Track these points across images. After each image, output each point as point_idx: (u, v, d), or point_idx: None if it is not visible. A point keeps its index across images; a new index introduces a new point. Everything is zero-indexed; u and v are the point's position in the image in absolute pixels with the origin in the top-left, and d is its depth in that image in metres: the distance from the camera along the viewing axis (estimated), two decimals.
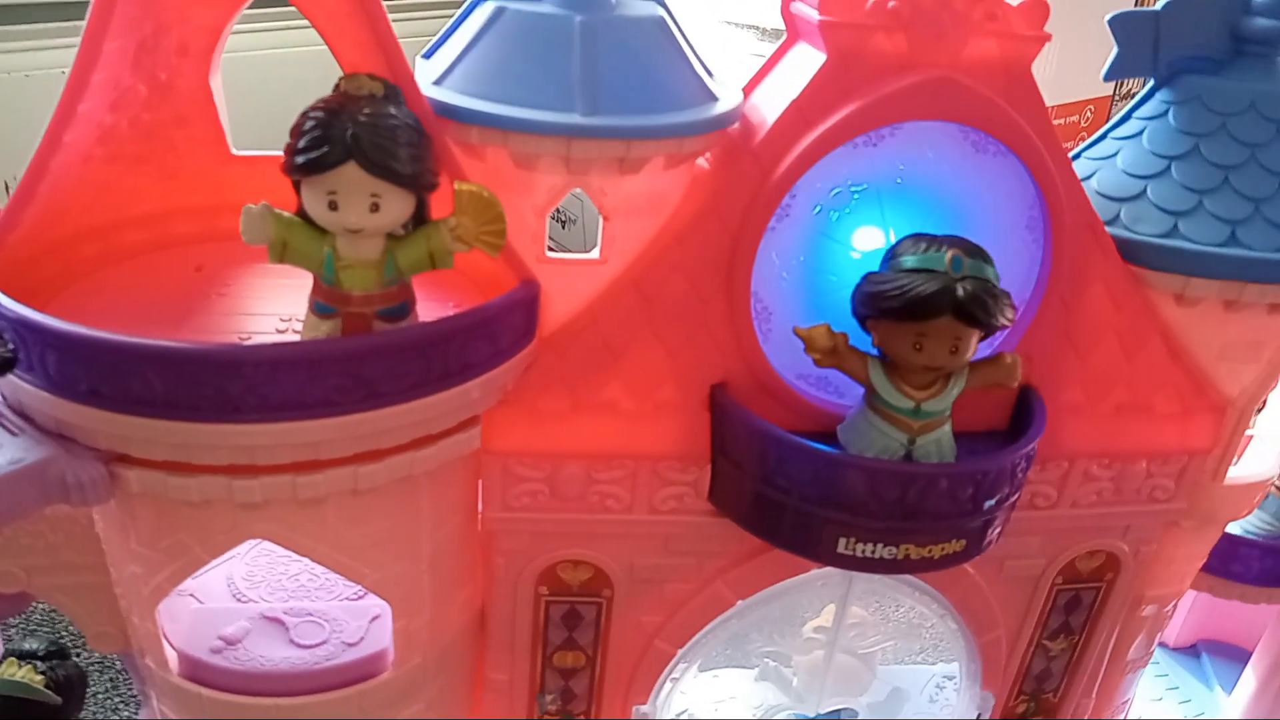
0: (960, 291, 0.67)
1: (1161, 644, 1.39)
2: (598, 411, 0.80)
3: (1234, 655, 1.31)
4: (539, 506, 0.83)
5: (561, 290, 0.78)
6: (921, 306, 0.68)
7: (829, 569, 0.88)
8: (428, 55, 0.76)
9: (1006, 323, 0.70)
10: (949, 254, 0.68)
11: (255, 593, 0.88)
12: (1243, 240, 0.79)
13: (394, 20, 0.68)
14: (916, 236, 0.72)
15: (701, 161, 0.79)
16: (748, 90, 0.80)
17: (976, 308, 0.67)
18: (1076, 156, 0.88)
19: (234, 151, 0.84)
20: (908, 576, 0.91)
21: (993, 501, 0.77)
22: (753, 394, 0.81)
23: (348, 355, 0.63)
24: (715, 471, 0.82)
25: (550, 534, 0.85)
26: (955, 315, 0.67)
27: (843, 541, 0.77)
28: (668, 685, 0.94)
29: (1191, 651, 1.41)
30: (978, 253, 0.70)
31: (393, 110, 0.63)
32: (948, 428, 0.76)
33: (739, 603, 0.90)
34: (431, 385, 0.68)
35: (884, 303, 0.69)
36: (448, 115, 0.69)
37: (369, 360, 0.64)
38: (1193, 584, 1.07)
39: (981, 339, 0.73)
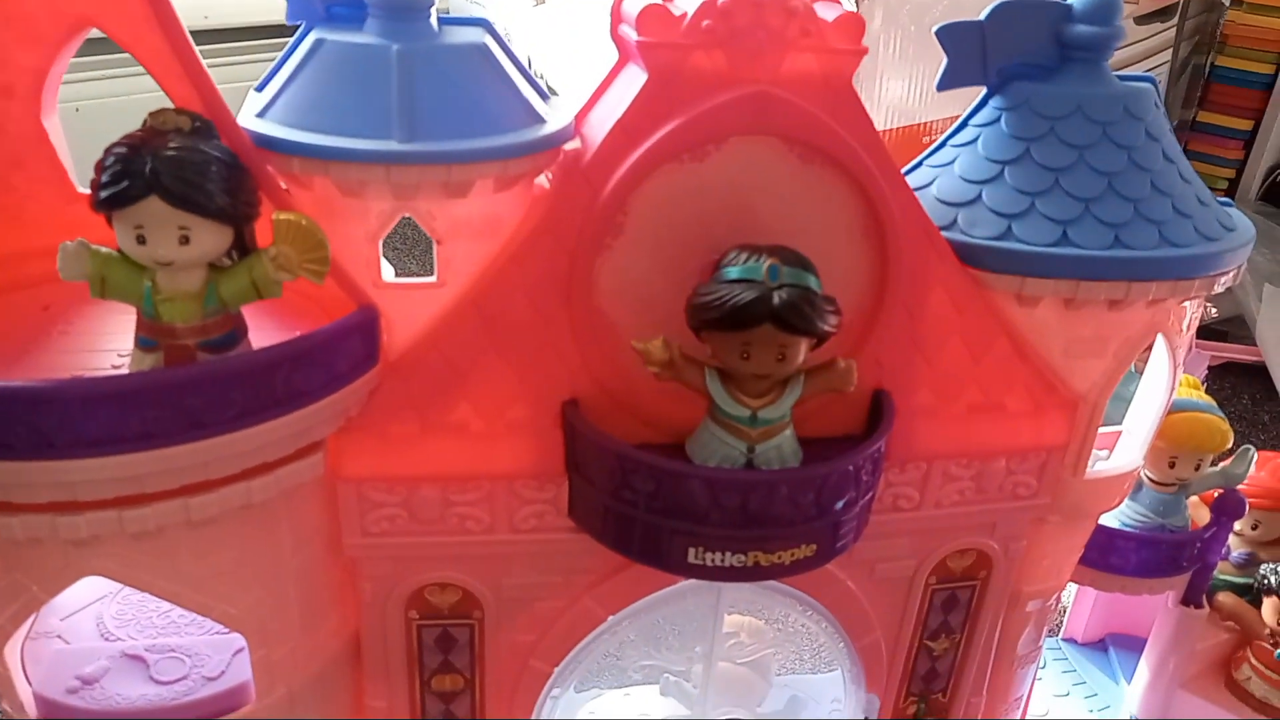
0: (776, 300, 0.68)
1: (1069, 639, 1.42)
2: (448, 433, 0.81)
3: (1142, 649, 1.33)
4: (399, 531, 0.83)
5: (404, 315, 0.78)
6: (739, 316, 0.69)
7: (695, 581, 0.89)
8: (259, 88, 0.76)
9: (830, 329, 0.72)
10: (767, 263, 0.70)
11: (123, 631, 0.88)
12: (1074, 239, 0.81)
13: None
14: (741, 247, 0.73)
15: (544, 182, 0.80)
16: (585, 111, 0.81)
17: (793, 315, 0.68)
18: (918, 165, 0.90)
19: (80, 190, 0.84)
20: (776, 584, 0.92)
21: (840, 504, 0.78)
22: (607, 410, 0.82)
23: (161, 386, 0.64)
24: (571, 488, 0.83)
25: (413, 558, 0.85)
26: (774, 323, 0.69)
27: (691, 551, 0.77)
28: (548, 704, 0.94)
29: (1099, 646, 1.43)
30: (798, 261, 0.71)
31: (199, 144, 0.64)
32: (789, 433, 0.77)
33: (609, 618, 0.90)
34: (258, 414, 0.68)
35: (706, 314, 0.71)
36: (267, 147, 0.70)
37: (186, 391, 0.65)
38: (1073, 578, 1.09)
39: (814, 346, 0.75)
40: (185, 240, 0.63)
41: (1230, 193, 2.69)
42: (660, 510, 0.77)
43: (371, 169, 0.70)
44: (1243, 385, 2.37)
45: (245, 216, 0.67)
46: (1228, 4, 2.63)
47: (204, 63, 0.69)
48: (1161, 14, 2.48)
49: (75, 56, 0.80)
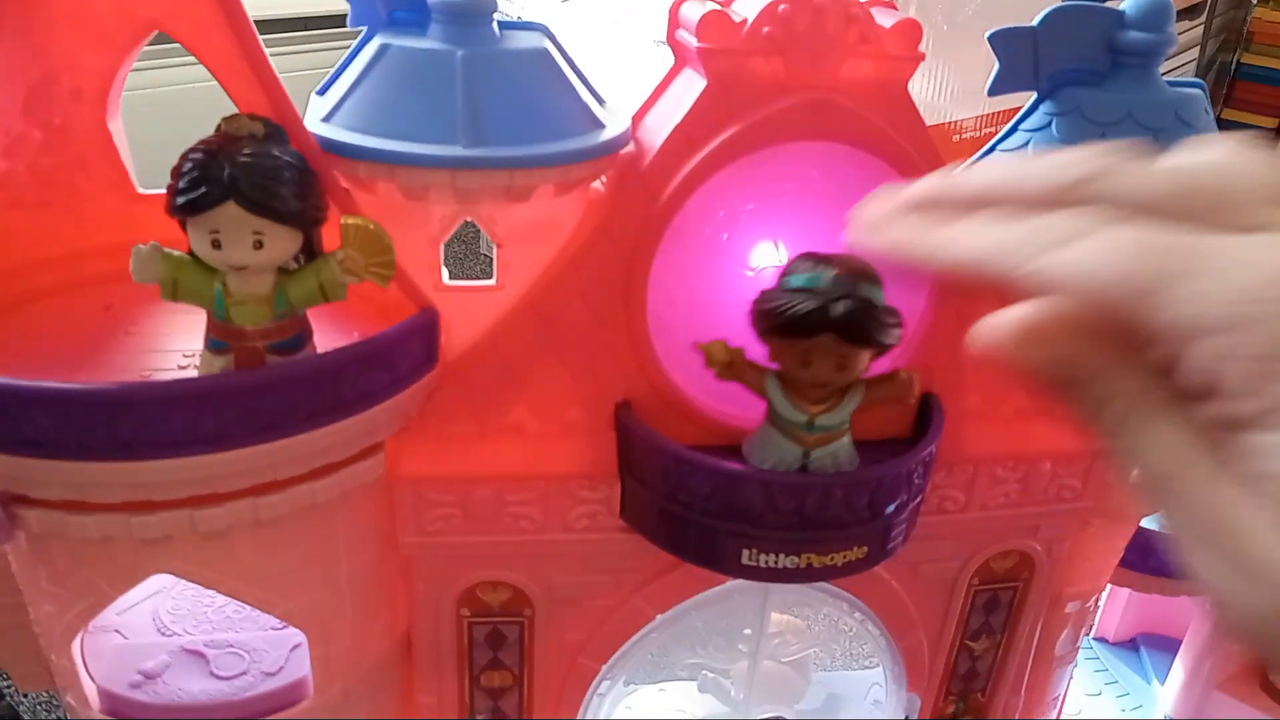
0: (836, 311, 0.69)
1: (1101, 639, 1.42)
2: (505, 435, 0.82)
3: (1173, 649, 1.33)
4: (453, 530, 0.84)
5: (463, 318, 0.79)
6: (799, 325, 0.70)
7: (744, 581, 0.90)
8: (321, 92, 0.77)
9: (891, 341, 0.72)
10: (831, 274, 0.70)
11: (179, 626, 0.89)
12: None
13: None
14: (807, 255, 0.74)
15: (599, 185, 0.81)
16: (641, 115, 0.82)
17: (853, 327, 0.69)
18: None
19: (140, 190, 0.86)
20: (824, 584, 0.92)
21: (891, 507, 0.79)
22: (659, 412, 0.82)
23: (234, 390, 0.65)
24: (624, 489, 0.84)
25: (467, 557, 0.86)
26: (834, 333, 0.69)
27: (745, 553, 0.78)
28: (595, 700, 0.95)
29: (1131, 646, 1.43)
30: (862, 272, 0.72)
31: (273, 149, 0.65)
32: (846, 440, 0.78)
33: (658, 617, 0.91)
34: (326, 416, 0.69)
35: (767, 320, 0.71)
36: (334, 151, 0.71)
37: (258, 393, 0.66)
38: (1112, 579, 1.10)
39: (875, 357, 0.75)
40: (259, 245, 0.64)
41: None
42: (715, 512, 0.78)
43: (436, 174, 0.71)
44: None
45: (315, 220, 0.68)
46: (1255, 1, 2.62)
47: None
48: (1189, 12, 2.48)
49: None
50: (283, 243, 0.66)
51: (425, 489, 0.82)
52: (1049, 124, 0.86)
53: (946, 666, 1.04)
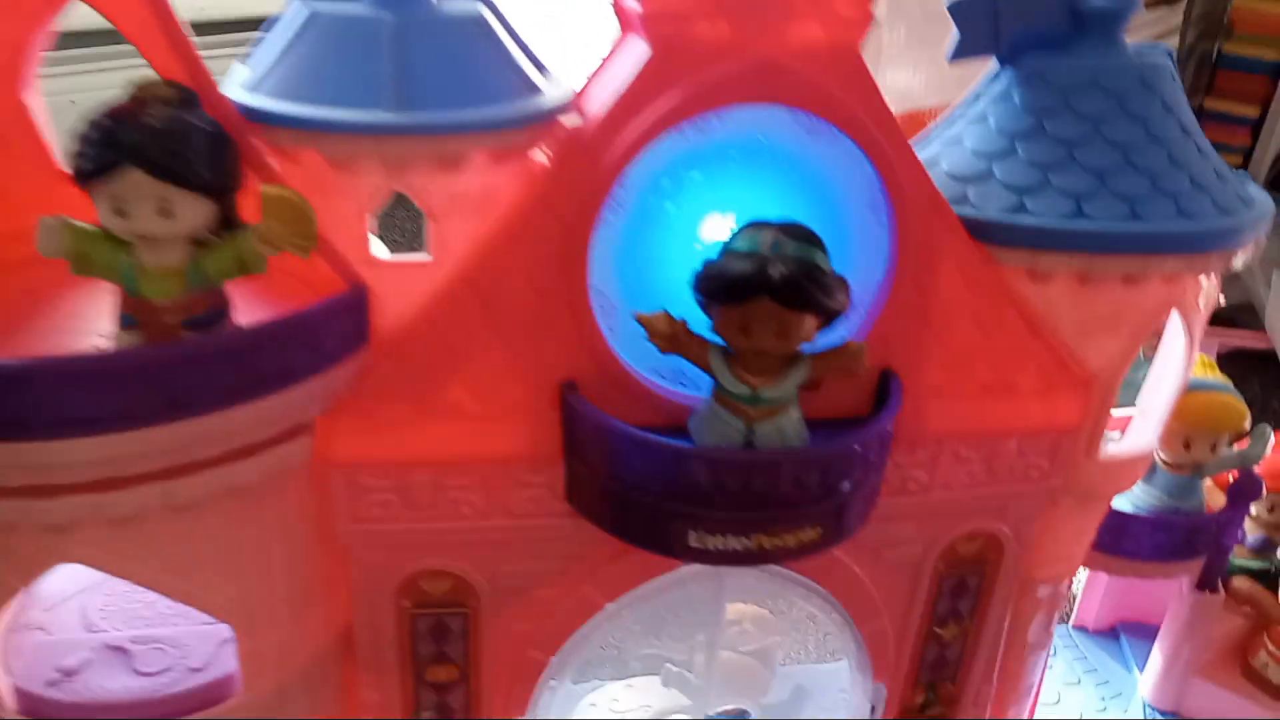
0: (774, 273, 0.65)
1: (1080, 627, 1.39)
2: (443, 416, 0.78)
3: (1153, 636, 1.30)
4: (391, 517, 0.81)
5: (397, 294, 0.76)
6: (735, 288, 0.66)
7: (697, 566, 0.86)
8: (247, 61, 0.74)
9: (834, 306, 0.69)
10: (770, 237, 0.67)
11: (108, 622, 0.85)
12: (1089, 213, 0.78)
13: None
14: (751, 223, 0.70)
15: (542, 158, 0.78)
16: (586, 85, 0.78)
17: (792, 290, 0.66)
18: (929, 140, 0.87)
19: (66, 169, 0.82)
20: (783, 570, 0.89)
21: (846, 486, 0.76)
22: (604, 391, 0.79)
23: (139, 364, 0.61)
24: (568, 471, 0.81)
25: (406, 544, 0.83)
26: (772, 297, 0.66)
27: (693, 535, 0.75)
28: (545, 695, 0.92)
29: (1111, 634, 1.40)
30: (803, 235, 0.68)
31: (183, 114, 0.61)
32: (793, 414, 0.74)
33: (608, 605, 0.88)
34: (243, 394, 0.65)
35: (704, 285, 0.68)
36: (254, 119, 0.67)
37: (166, 369, 0.62)
38: (1086, 563, 1.07)
39: (821, 326, 0.72)
40: (166, 213, 0.61)
41: None
42: (660, 493, 0.74)
43: (361, 141, 0.67)
44: (1252, 373, 2.35)
45: (228, 189, 0.64)
46: None
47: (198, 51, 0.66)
48: None
49: (71, 48, 0.78)
50: (192, 212, 0.62)
51: (360, 474, 0.79)
52: (1010, 91, 0.83)
53: (914, 655, 1.00)
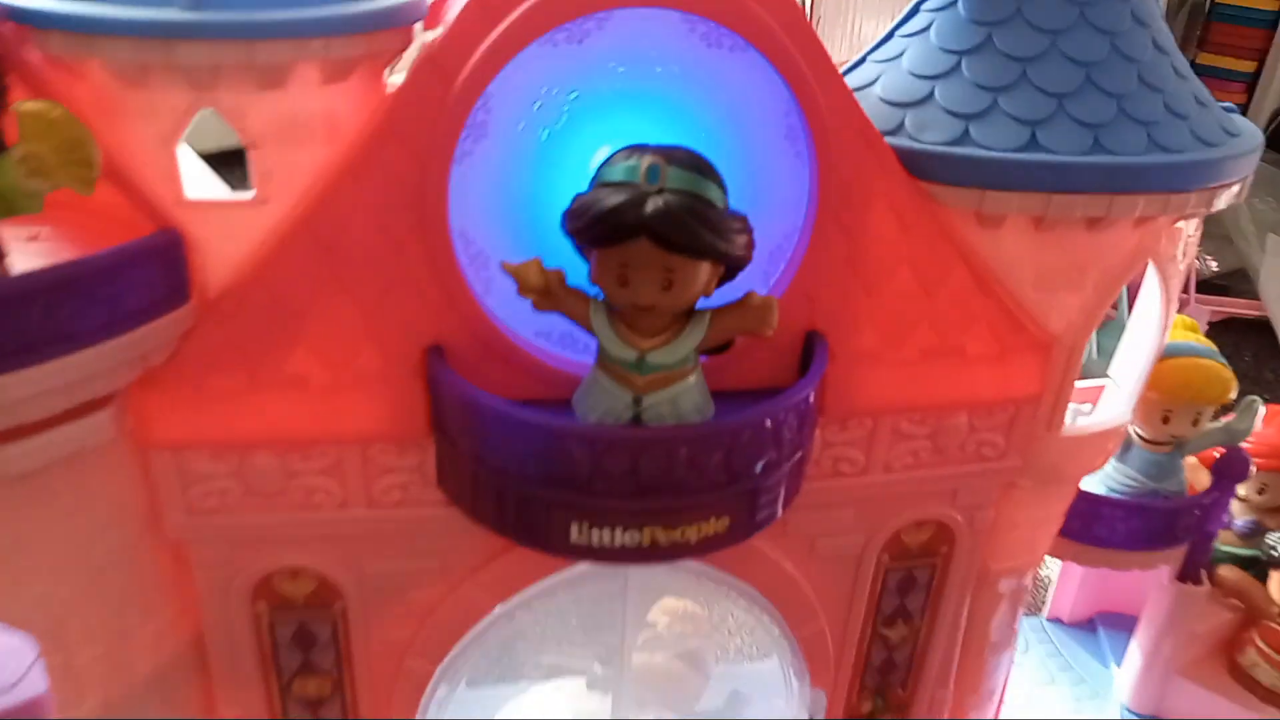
0: (650, 207, 0.53)
1: (1055, 619, 1.28)
2: (284, 387, 0.67)
3: (1134, 628, 1.19)
4: (231, 508, 0.69)
5: (226, 241, 0.64)
6: (605, 225, 0.54)
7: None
8: None
9: (730, 249, 0.57)
10: (648, 163, 0.55)
11: None
12: (1044, 143, 0.67)
13: None
14: (629, 147, 0.58)
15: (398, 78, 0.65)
16: None
17: (672, 226, 0.54)
18: (861, 61, 0.75)
19: None
20: (696, 565, 0.77)
21: (757, 468, 0.64)
22: (478, 357, 0.68)
23: None
24: (439, 452, 0.69)
25: (254, 540, 0.71)
26: (649, 237, 0.54)
27: (575, 528, 0.63)
28: (432, 708, 0.80)
29: (1088, 627, 1.29)
30: (690, 162, 0.56)
31: None
32: (691, 383, 0.62)
33: (497, 608, 0.76)
34: (8, 359, 0.53)
35: (571, 223, 0.56)
36: (17, 19, 0.55)
37: None
38: (1053, 552, 0.95)
39: (720, 276, 0.60)
40: None
41: None
42: (535, 478, 0.63)
43: (150, 47, 0.55)
44: (1245, 342, 2.23)
45: None
46: None
47: None
48: None
49: None
50: None
51: (189, 457, 0.67)
52: (954, 1, 0.70)
53: (858, 658, 0.89)
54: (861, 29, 1.92)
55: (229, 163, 0.72)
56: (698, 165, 0.57)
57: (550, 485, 0.62)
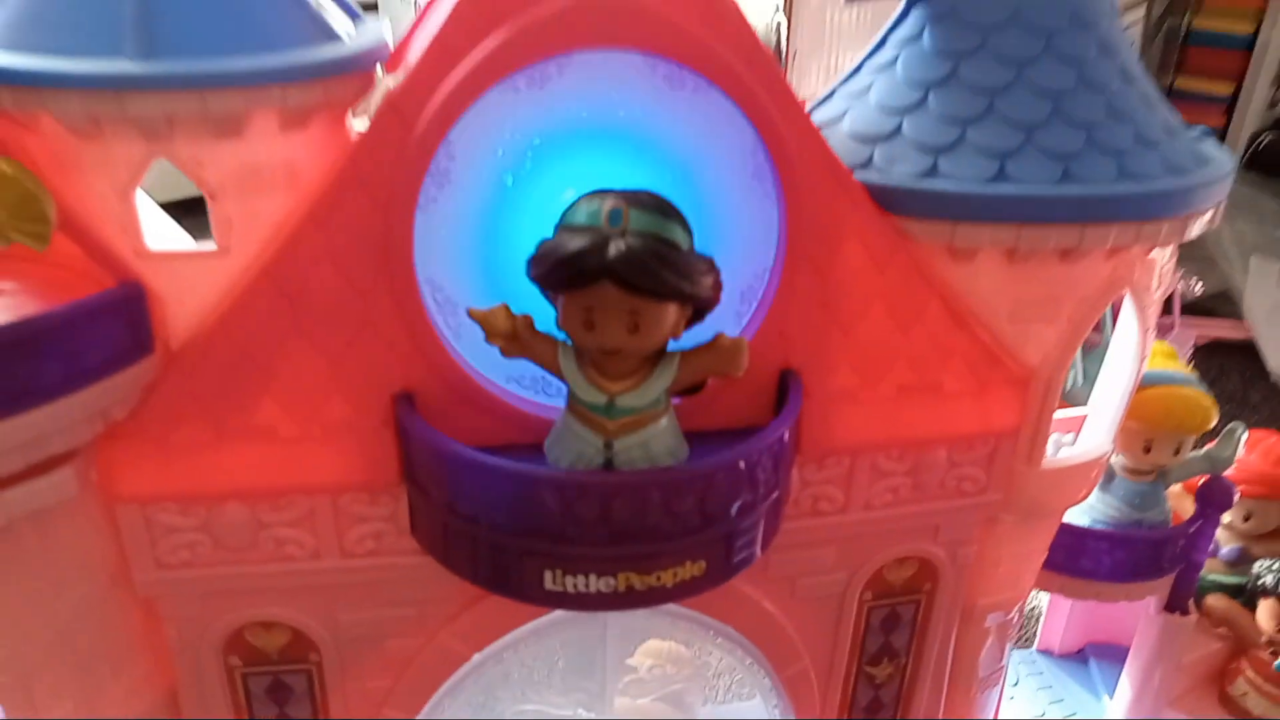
0: (613, 250, 0.53)
1: (1045, 651, 1.27)
2: (252, 439, 0.66)
3: (1125, 658, 1.18)
4: (202, 561, 0.68)
5: (188, 293, 0.63)
6: (568, 269, 0.54)
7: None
8: None
9: (695, 290, 0.56)
10: (610, 206, 0.54)
11: None
12: (1013, 175, 0.66)
13: None
14: (591, 192, 0.58)
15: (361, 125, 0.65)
16: (408, 37, 0.66)
17: (634, 269, 0.53)
18: (829, 96, 0.75)
19: None
20: (675, 608, 0.76)
21: (733, 510, 0.63)
22: (448, 404, 0.67)
23: None
24: (411, 501, 0.68)
25: (224, 593, 0.70)
26: (613, 280, 0.53)
27: (549, 576, 0.62)
28: None
29: (1079, 657, 1.28)
30: (653, 204, 0.56)
31: None
32: (662, 425, 0.62)
33: (475, 656, 0.75)
34: None
35: (534, 268, 0.56)
36: None
37: None
38: (1039, 584, 0.94)
39: (688, 319, 0.60)
40: None
41: None
42: (506, 526, 0.62)
43: (100, 99, 0.55)
44: (1231, 364, 2.22)
45: None
46: None
47: None
48: None
49: None
50: None
51: (156, 511, 0.66)
52: (921, 33, 0.70)
53: (844, 698, 0.88)
54: (839, 61, 1.93)
55: (191, 211, 0.71)
56: (661, 207, 0.56)
57: (522, 533, 0.61)
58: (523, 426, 0.68)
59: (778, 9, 1.94)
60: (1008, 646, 0.94)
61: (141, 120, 0.55)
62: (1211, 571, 1.08)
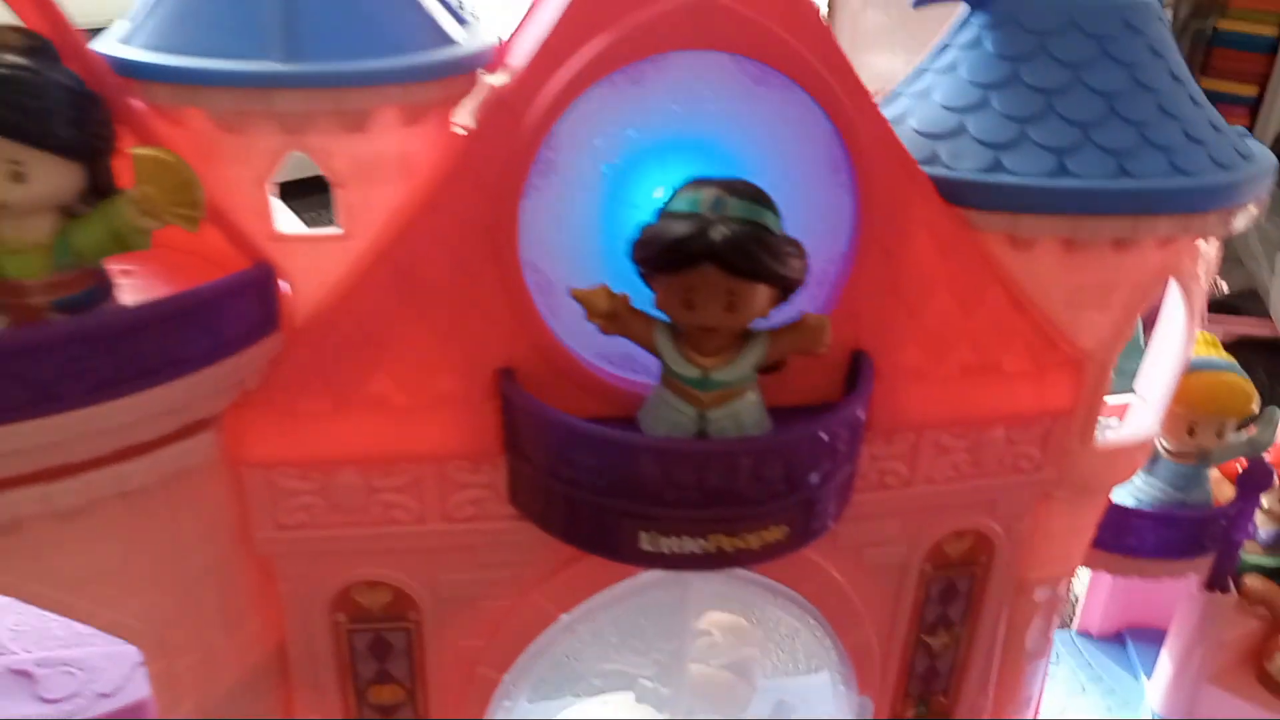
0: (716, 235, 0.58)
1: (1084, 632, 1.31)
2: (367, 409, 0.71)
3: (1162, 642, 1.22)
4: (316, 523, 0.73)
5: (310, 273, 0.69)
6: (674, 252, 0.59)
7: (658, 572, 0.79)
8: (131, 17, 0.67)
9: (788, 273, 0.62)
10: (711, 195, 0.60)
11: (19, 644, 0.78)
12: (1073, 170, 0.71)
13: None
14: (691, 180, 0.63)
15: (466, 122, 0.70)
16: (512, 38, 0.71)
17: (736, 253, 0.58)
18: (895, 95, 0.80)
19: None
20: (753, 575, 0.81)
21: (814, 478, 0.68)
22: (546, 379, 0.72)
23: (5, 352, 0.54)
24: (511, 469, 0.73)
25: (336, 553, 0.75)
26: (715, 262, 0.59)
27: (645, 537, 0.67)
28: (500, 715, 0.84)
29: (1117, 639, 1.32)
30: (750, 194, 0.61)
31: (34, 65, 0.54)
32: (751, 399, 0.67)
33: (563, 617, 0.80)
34: (123, 385, 0.58)
35: (640, 251, 0.61)
36: (126, 74, 0.60)
37: (32, 356, 0.55)
38: (1085, 562, 0.99)
39: (777, 299, 0.65)
40: (18, 177, 0.54)
41: None
42: (607, 491, 0.67)
43: (249, 96, 0.60)
44: (1258, 361, 2.25)
45: (94, 151, 0.57)
46: None
47: None
48: None
49: None
50: (51, 176, 0.55)
51: (278, 475, 0.71)
52: (982, 38, 0.75)
53: (902, 665, 0.92)
54: (875, 62, 1.97)
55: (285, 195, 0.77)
56: (756, 195, 0.61)
57: (621, 496, 0.66)
58: (612, 400, 0.73)
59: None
60: (1054, 621, 0.98)
61: (282, 115, 0.61)
62: (1250, 553, 1.12)
